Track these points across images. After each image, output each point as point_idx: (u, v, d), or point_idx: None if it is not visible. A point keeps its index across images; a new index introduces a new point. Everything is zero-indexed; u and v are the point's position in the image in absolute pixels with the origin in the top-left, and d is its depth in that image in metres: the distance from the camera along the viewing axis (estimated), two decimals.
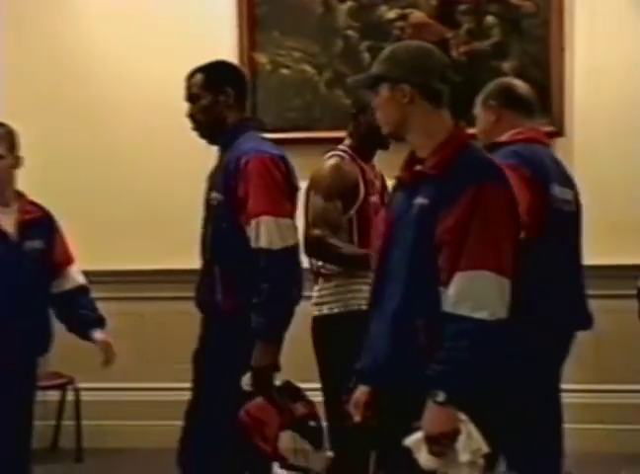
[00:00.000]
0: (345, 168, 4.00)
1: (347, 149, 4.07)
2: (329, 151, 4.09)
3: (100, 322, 4.17)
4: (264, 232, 3.36)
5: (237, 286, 3.44)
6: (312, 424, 3.39)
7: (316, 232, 3.93)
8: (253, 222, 3.38)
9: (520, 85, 3.91)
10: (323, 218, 3.94)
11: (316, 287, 4.04)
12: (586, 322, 3.84)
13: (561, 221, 3.67)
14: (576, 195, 3.85)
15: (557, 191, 3.66)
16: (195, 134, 3.65)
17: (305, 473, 4.24)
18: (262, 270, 3.36)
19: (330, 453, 5.20)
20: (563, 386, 3.86)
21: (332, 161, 4.02)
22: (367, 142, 4.02)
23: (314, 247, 3.94)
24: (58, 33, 5.94)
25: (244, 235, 3.41)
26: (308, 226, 3.97)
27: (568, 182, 3.81)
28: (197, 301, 3.64)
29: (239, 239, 3.42)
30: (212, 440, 3.43)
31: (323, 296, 3.98)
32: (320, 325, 3.99)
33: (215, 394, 3.44)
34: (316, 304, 4.01)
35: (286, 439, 3.37)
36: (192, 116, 3.60)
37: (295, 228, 3.50)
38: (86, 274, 4.32)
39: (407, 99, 2.72)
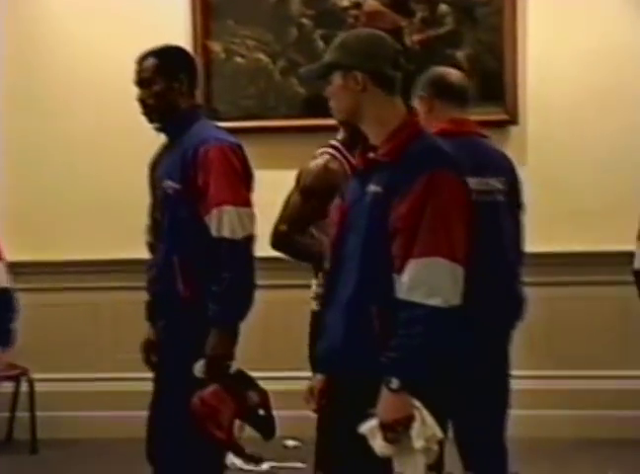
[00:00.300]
0: (332, 167, 3.93)
1: (338, 145, 3.96)
2: (322, 147, 4.00)
3: None
4: (226, 222, 3.34)
5: (197, 275, 3.41)
6: (261, 412, 3.38)
7: (283, 228, 3.94)
8: (214, 211, 3.35)
9: (453, 73, 3.83)
10: (295, 217, 3.93)
11: (315, 281, 4.00)
12: (516, 314, 3.76)
13: (479, 213, 3.57)
14: (514, 183, 3.76)
15: (469, 182, 3.58)
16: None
17: (257, 461, 4.24)
18: (223, 259, 3.33)
19: (293, 442, 5.23)
20: (516, 372, 3.88)
21: (320, 160, 3.94)
22: (360, 135, 3.94)
23: (279, 241, 3.94)
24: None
25: (203, 224, 3.38)
26: (280, 220, 3.97)
27: (498, 171, 3.70)
28: (151, 292, 3.60)
29: (198, 228, 3.39)
30: (179, 432, 3.40)
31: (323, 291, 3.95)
32: (318, 319, 3.94)
33: (178, 384, 3.41)
34: (316, 298, 3.97)
35: (238, 428, 3.36)
36: (142, 100, 3.53)
37: (254, 217, 3.48)
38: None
39: (360, 86, 2.71)
